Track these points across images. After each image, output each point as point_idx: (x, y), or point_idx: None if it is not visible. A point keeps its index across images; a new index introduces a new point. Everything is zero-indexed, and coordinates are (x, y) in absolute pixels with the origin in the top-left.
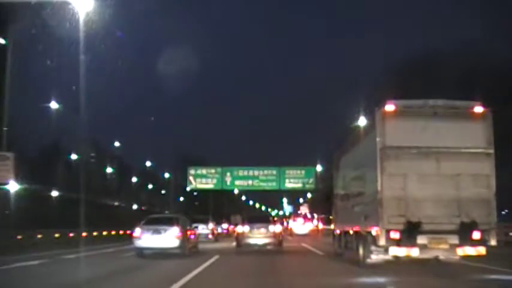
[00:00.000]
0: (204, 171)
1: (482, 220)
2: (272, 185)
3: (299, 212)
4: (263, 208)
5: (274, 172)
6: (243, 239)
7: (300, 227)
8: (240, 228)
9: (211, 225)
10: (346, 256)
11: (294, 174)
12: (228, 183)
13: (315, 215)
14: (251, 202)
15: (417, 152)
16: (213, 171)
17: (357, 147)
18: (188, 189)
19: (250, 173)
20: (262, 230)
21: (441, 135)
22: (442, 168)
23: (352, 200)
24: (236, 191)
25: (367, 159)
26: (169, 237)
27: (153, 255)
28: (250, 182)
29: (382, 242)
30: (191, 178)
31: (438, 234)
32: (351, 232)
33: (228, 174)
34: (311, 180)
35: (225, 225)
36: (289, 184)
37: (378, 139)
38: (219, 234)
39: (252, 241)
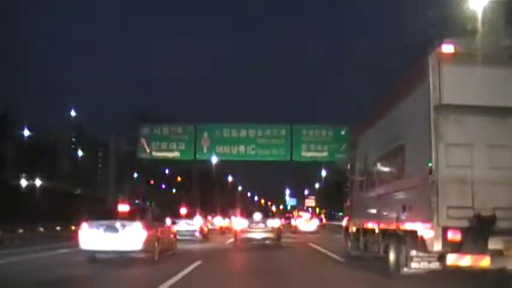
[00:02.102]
0: (165, 131)
1: None
2: (279, 154)
3: (305, 205)
4: (262, 202)
5: (283, 133)
6: (241, 233)
7: (305, 223)
8: (237, 223)
9: (198, 221)
10: (364, 259)
11: (316, 136)
12: (205, 149)
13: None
14: (249, 194)
15: (488, 113)
16: (179, 130)
17: (390, 112)
18: (141, 158)
19: (243, 133)
20: (261, 224)
21: None
22: None
23: (380, 187)
24: (214, 160)
25: (409, 127)
26: (129, 237)
27: (109, 262)
28: (241, 148)
29: (436, 246)
30: (143, 142)
31: None
32: (376, 230)
33: (205, 135)
34: (343, 147)
35: (218, 220)
36: (307, 152)
37: (430, 94)
38: (209, 231)
39: (250, 236)
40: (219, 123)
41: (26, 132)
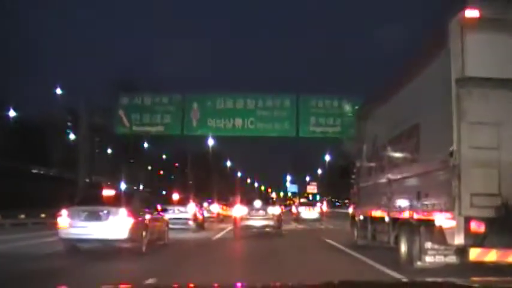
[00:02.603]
0: (147, 101)
1: None
2: (283, 128)
3: (306, 192)
4: (262, 188)
5: (288, 103)
6: (241, 221)
7: (308, 211)
8: (237, 210)
9: (192, 208)
10: (372, 250)
11: (327, 108)
12: (195, 123)
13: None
14: (248, 181)
15: None
16: (164, 100)
17: (405, 88)
18: (120, 133)
19: (240, 104)
20: (261, 212)
21: None
22: None
23: (392, 172)
24: (210, 142)
25: (426, 104)
26: (113, 225)
27: (91, 252)
28: (238, 121)
29: (458, 238)
30: (122, 114)
31: None
32: (386, 219)
33: (195, 106)
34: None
35: (215, 207)
36: (317, 127)
37: (451, 66)
38: (204, 219)
39: (250, 223)
40: (212, 93)
41: (12, 113)
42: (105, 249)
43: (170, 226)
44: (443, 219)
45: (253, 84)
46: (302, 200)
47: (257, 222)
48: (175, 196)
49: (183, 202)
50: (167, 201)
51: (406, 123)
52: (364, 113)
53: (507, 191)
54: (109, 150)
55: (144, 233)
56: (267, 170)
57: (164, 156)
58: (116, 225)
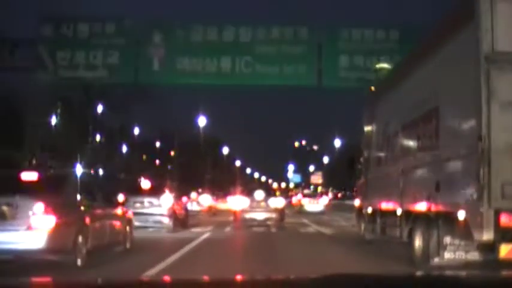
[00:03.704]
0: (82, 33)
1: None
2: (297, 73)
3: (310, 183)
4: (262, 179)
5: (305, 36)
6: (241, 213)
7: (311, 203)
8: (237, 202)
9: (168, 200)
10: (380, 245)
11: (366, 41)
12: (157, 65)
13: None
14: (248, 171)
15: None
16: (109, 30)
17: (424, 65)
18: (43, 81)
19: (228, 36)
20: (263, 204)
21: None
22: None
23: (406, 160)
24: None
25: (449, 83)
26: (21, 226)
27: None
28: (225, 63)
29: (486, 233)
30: (43, 51)
31: None
32: (398, 212)
33: (157, 39)
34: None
35: (205, 199)
36: (349, 72)
37: (481, 39)
38: (187, 215)
39: (250, 216)
40: (184, 20)
41: None
42: (17, 264)
43: (137, 224)
44: (468, 212)
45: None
46: (306, 192)
47: (258, 215)
48: (145, 184)
49: (156, 192)
50: (137, 191)
51: (424, 107)
52: (374, 97)
53: None
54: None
55: (80, 238)
56: (267, 159)
57: (158, 144)
58: (26, 227)
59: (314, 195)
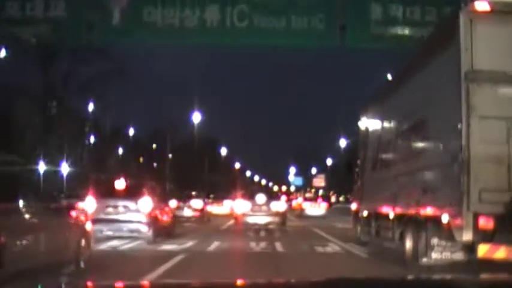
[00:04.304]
0: None
1: None
2: (312, 28)
3: (312, 186)
4: (262, 182)
5: None
6: (242, 217)
7: (312, 207)
8: (238, 206)
9: (147, 206)
10: (376, 247)
11: None
12: (118, 18)
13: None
14: (248, 173)
15: None
16: None
17: (413, 80)
18: None
19: None
20: (264, 207)
21: None
22: None
23: (397, 167)
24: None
25: (435, 97)
26: None
27: None
28: (211, 13)
29: (466, 234)
30: None
31: None
32: (391, 215)
33: None
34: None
35: (197, 204)
36: (384, 26)
37: (461, 58)
38: (173, 222)
39: (252, 220)
40: None
41: None
42: None
43: (109, 233)
44: (451, 215)
45: None
46: (307, 195)
47: (260, 219)
48: (120, 184)
49: (134, 194)
50: (110, 192)
51: (414, 117)
52: (369, 106)
53: None
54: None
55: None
56: (268, 161)
57: (154, 146)
58: None
59: (315, 198)
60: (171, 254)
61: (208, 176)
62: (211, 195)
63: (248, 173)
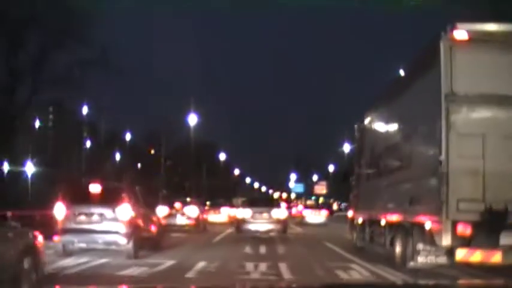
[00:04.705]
0: None
1: None
2: None
3: (313, 193)
4: (262, 189)
5: None
6: (243, 224)
7: (313, 214)
8: (239, 213)
9: (126, 213)
10: (369, 252)
11: None
12: None
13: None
14: (248, 180)
15: (502, 102)
16: None
17: (401, 99)
18: None
19: None
20: (265, 215)
21: None
22: None
23: (388, 178)
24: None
25: (419, 115)
26: None
27: None
28: None
29: (445, 240)
30: None
31: None
32: (383, 222)
33: None
34: None
35: (191, 211)
36: None
37: (441, 82)
38: (160, 231)
39: (252, 227)
40: None
41: None
42: None
43: (81, 246)
44: (432, 223)
45: None
46: (308, 202)
47: (261, 226)
48: (95, 188)
49: (111, 199)
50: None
51: (401, 133)
52: (364, 120)
53: (491, 196)
54: None
55: None
56: (268, 168)
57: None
58: None
59: (316, 206)
60: (137, 280)
61: (206, 181)
62: (208, 202)
63: (248, 180)
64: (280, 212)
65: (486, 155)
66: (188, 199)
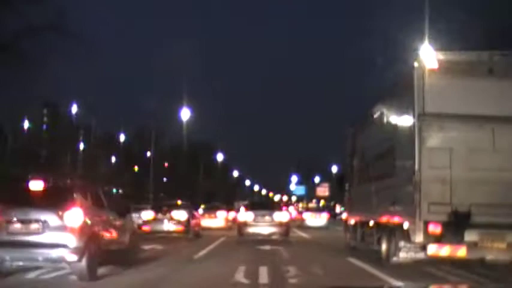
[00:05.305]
0: None
1: None
2: None
3: (316, 195)
4: (263, 192)
5: None
6: (245, 227)
7: (313, 217)
8: (241, 216)
9: (77, 218)
10: (361, 251)
11: None
12: None
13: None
14: (248, 182)
15: (467, 120)
16: None
17: (384, 115)
18: None
19: None
20: (267, 218)
21: (499, 100)
22: (499, 142)
23: (375, 184)
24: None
25: (399, 131)
26: None
27: None
28: None
29: (418, 237)
30: None
31: (493, 229)
32: (371, 223)
33: None
34: None
35: (179, 215)
36: None
37: (415, 103)
38: (135, 241)
39: (254, 230)
40: None
41: None
42: None
43: (17, 264)
44: (409, 223)
45: None
46: (310, 205)
47: (263, 230)
48: (35, 186)
49: (58, 201)
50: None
51: (385, 144)
52: (354, 132)
53: (456, 201)
54: None
55: None
56: (268, 170)
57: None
58: None
59: (317, 209)
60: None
61: (202, 183)
62: (203, 205)
63: (247, 182)
64: (283, 215)
65: (453, 166)
66: (179, 202)
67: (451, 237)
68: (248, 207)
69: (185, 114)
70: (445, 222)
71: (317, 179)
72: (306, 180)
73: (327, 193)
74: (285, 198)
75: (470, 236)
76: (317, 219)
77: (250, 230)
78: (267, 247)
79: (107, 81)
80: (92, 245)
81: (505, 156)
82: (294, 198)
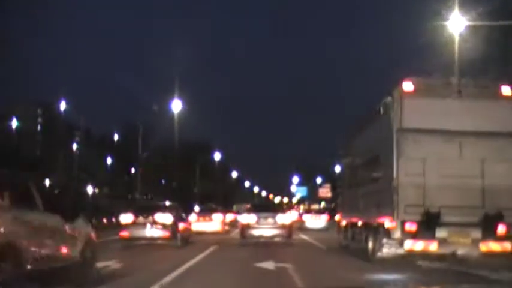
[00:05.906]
0: None
1: (509, 212)
2: None
3: (318, 196)
4: (263, 193)
5: None
6: (248, 229)
7: (313, 219)
8: (244, 218)
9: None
10: (352, 249)
11: None
12: None
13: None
14: (247, 183)
15: (438, 134)
16: None
17: (370, 128)
18: None
19: None
20: (270, 220)
21: (465, 117)
22: (466, 153)
23: (363, 188)
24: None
25: (381, 142)
26: None
27: None
28: None
29: (396, 234)
30: None
31: (459, 227)
32: (360, 223)
33: None
34: None
35: (164, 218)
36: None
37: (394, 120)
38: (93, 256)
39: (257, 232)
40: None
41: None
42: None
43: None
44: (388, 222)
45: None
46: (312, 207)
47: (266, 232)
48: None
49: None
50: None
51: (371, 153)
52: (347, 139)
53: (428, 203)
54: None
55: None
56: (268, 171)
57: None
58: None
59: (317, 211)
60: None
61: (199, 184)
62: (197, 207)
63: (247, 184)
64: (285, 217)
65: (426, 173)
66: (167, 203)
67: (425, 234)
68: (251, 210)
69: (176, 107)
70: (419, 221)
71: (319, 180)
72: (307, 181)
73: (329, 194)
74: (285, 200)
75: (440, 232)
76: (317, 221)
77: (253, 232)
78: (271, 265)
79: (108, 83)
80: (12, 262)
81: (469, 166)
82: (294, 200)
